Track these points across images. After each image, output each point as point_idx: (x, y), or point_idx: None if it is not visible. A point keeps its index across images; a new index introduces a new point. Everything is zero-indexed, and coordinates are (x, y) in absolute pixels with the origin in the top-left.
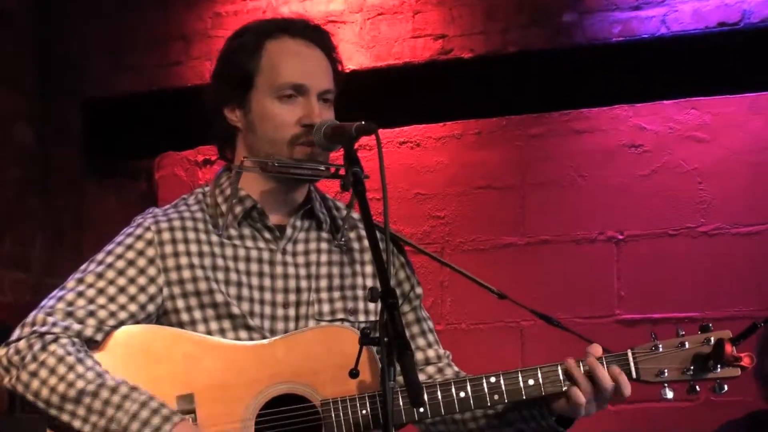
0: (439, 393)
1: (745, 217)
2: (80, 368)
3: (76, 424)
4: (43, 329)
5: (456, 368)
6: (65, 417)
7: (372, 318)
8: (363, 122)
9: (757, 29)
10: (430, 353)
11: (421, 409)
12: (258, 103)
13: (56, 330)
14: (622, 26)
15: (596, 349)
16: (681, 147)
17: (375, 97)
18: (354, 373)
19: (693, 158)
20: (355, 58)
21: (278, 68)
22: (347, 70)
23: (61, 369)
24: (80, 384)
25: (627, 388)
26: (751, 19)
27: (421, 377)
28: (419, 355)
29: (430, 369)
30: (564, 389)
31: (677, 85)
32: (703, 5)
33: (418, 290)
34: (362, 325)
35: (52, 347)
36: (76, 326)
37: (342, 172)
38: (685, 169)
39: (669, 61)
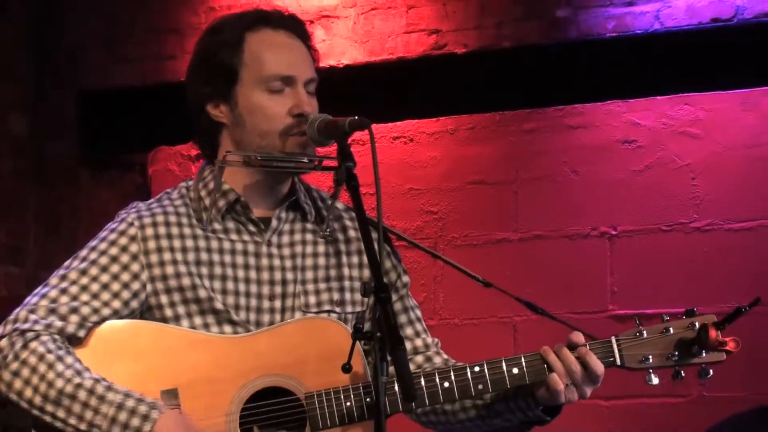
0: (423, 383)
1: (738, 213)
2: (60, 366)
3: (58, 425)
4: (25, 326)
5: (445, 356)
6: (47, 418)
7: (359, 309)
8: (356, 117)
9: (750, 25)
10: (418, 342)
11: None
12: (245, 97)
13: (38, 327)
14: (616, 22)
15: (578, 337)
16: (674, 142)
17: (368, 92)
18: (347, 368)
19: (686, 154)
20: (348, 52)
21: (263, 61)
22: (341, 65)
23: (42, 367)
24: (59, 383)
25: (598, 367)
26: (744, 14)
27: (410, 367)
28: (407, 345)
29: (419, 358)
30: (547, 377)
31: (671, 80)
32: (697, 1)
33: (405, 279)
34: (349, 316)
35: (33, 345)
36: (59, 323)
37: (326, 163)
38: (678, 165)
39: (663, 57)
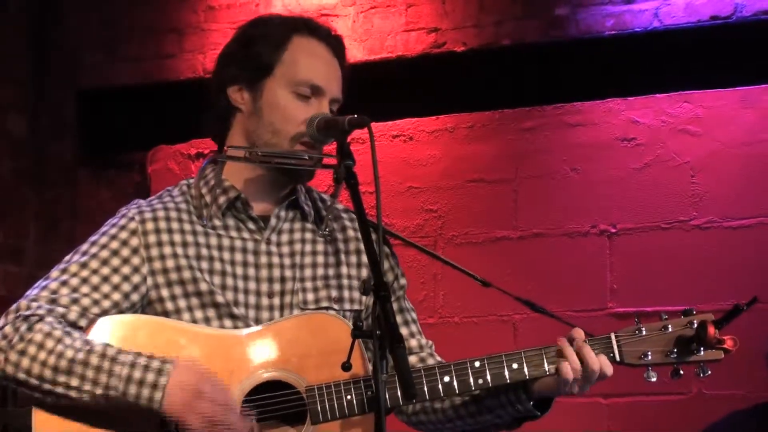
0: (423, 379)
1: (738, 211)
2: (68, 339)
3: (72, 394)
4: (28, 312)
5: (438, 358)
6: (60, 389)
7: (357, 307)
8: (356, 115)
9: (749, 23)
10: (413, 343)
11: None
12: (271, 92)
13: (41, 312)
14: (615, 20)
15: (578, 333)
16: (674, 140)
17: (368, 91)
18: (347, 366)
19: (686, 151)
20: (347, 51)
21: (301, 65)
22: None
23: (49, 343)
24: (69, 353)
25: (609, 369)
26: (743, 12)
27: None
28: None
29: (413, 359)
30: (547, 373)
31: (670, 78)
32: None
33: (402, 281)
34: (347, 314)
35: (38, 326)
36: (60, 309)
37: (326, 162)
38: (677, 163)
39: (662, 55)
